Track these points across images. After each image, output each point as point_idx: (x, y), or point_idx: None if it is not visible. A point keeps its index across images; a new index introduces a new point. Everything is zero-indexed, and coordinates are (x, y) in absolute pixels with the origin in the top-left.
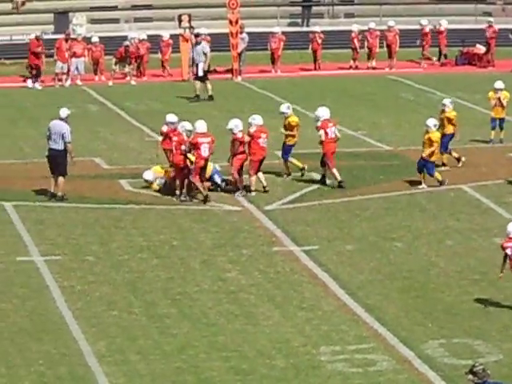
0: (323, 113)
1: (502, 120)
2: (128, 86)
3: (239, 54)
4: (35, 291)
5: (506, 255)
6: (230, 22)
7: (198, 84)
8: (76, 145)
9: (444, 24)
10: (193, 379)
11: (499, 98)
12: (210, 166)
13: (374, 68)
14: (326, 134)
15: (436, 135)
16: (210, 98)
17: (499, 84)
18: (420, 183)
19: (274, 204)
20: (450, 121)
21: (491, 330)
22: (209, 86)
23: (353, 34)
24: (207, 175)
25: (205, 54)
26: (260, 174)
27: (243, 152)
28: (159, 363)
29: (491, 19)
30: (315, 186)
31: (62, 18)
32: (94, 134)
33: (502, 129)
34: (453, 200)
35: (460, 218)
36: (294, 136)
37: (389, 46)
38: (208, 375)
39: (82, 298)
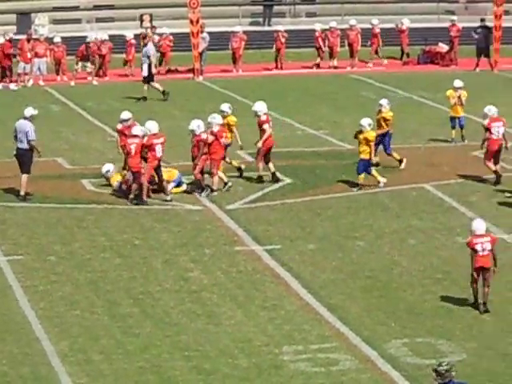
0: (262, 107)
1: (461, 119)
2: (90, 86)
3: (200, 54)
4: None
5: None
6: (191, 22)
7: (146, 86)
8: (38, 145)
9: (406, 23)
10: (155, 379)
11: (459, 97)
12: (175, 174)
13: (335, 67)
14: (269, 128)
15: (371, 134)
16: (164, 93)
17: (458, 83)
18: (378, 182)
19: (236, 203)
20: (385, 121)
21: (454, 330)
22: (156, 85)
23: (316, 33)
24: (171, 180)
25: (148, 56)
26: (220, 172)
27: (207, 152)
28: (122, 363)
29: (454, 17)
30: (277, 186)
31: (24, 18)
32: (56, 134)
33: (462, 127)
34: (415, 199)
35: (422, 217)
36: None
37: (350, 45)
38: (170, 374)
39: (44, 298)
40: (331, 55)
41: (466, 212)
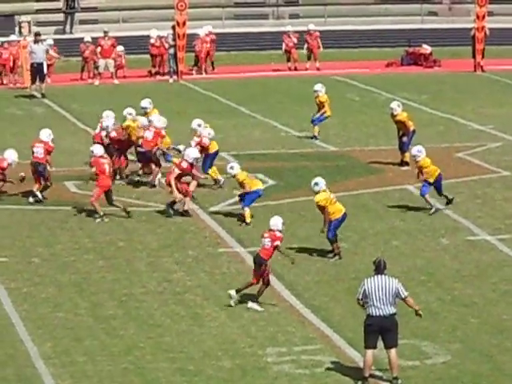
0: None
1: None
2: (74, 88)
3: (170, 55)
4: None
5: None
6: (178, 24)
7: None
8: (21, 147)
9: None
10: (139, 380)
11: None
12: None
13: (317, 69)
14: None
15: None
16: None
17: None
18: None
19: (219, 205)
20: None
21: (439, 331)
22: (43, 85)
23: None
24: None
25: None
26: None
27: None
28: (106, 364)
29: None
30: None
31: (8, 20)
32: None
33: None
34: (399, 200)
35: (406, 218)
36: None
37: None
38: (154, 376)
39: (28, 300)
40: (311, 57)
41: (450, 214)
